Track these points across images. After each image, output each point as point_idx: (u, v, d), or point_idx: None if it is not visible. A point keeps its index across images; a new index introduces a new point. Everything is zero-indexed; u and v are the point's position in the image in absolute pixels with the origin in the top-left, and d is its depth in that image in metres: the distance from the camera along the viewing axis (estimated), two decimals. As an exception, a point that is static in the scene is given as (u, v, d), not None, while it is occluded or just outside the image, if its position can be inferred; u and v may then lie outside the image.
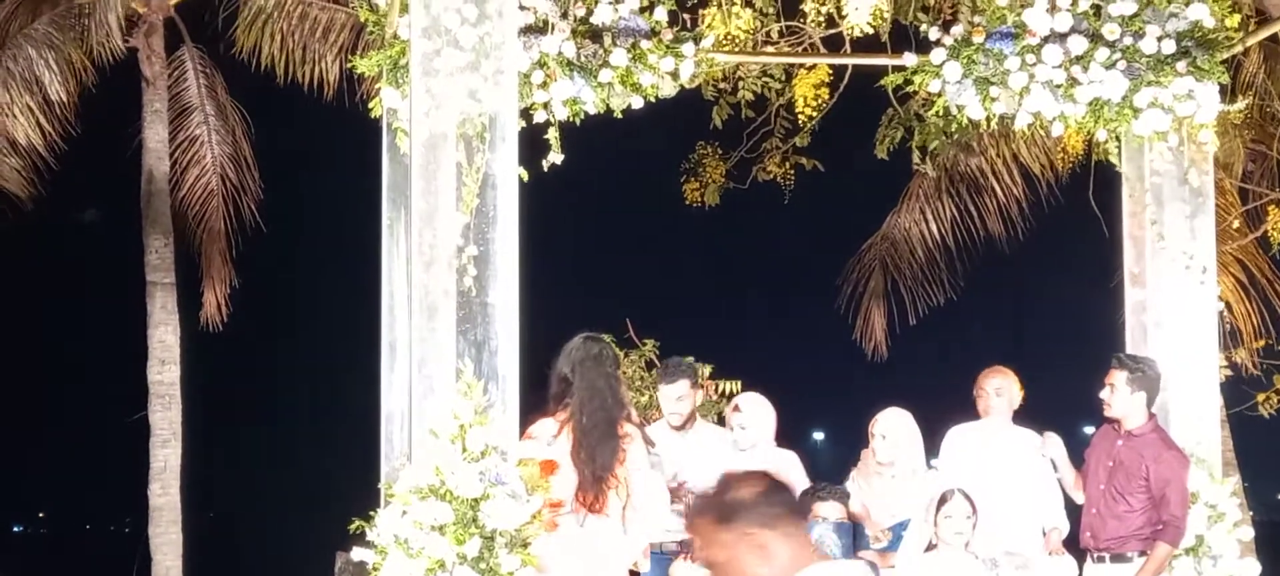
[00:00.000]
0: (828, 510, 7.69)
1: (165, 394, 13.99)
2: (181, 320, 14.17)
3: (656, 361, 11.03)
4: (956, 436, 8.76)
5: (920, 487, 8.29)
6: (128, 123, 13.92)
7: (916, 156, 9.53)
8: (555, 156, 6.97)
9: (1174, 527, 7.67)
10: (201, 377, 14.91)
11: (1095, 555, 7.96)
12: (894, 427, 8.43)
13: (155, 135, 13.88)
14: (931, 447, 8.77)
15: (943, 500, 7.90)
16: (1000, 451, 8.60)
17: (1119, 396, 7.91)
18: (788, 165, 13.33)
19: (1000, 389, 8.57)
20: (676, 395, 8.38)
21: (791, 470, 8.47)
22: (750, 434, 8.40)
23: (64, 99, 12.77)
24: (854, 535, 7.66)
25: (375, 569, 6.49)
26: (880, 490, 8.39)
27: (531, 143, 7.06)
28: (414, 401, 6.80)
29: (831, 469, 8.69)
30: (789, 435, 8.76)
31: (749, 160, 13.56)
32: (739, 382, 10.74)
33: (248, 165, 14.22)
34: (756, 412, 8.47)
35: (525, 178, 6.93)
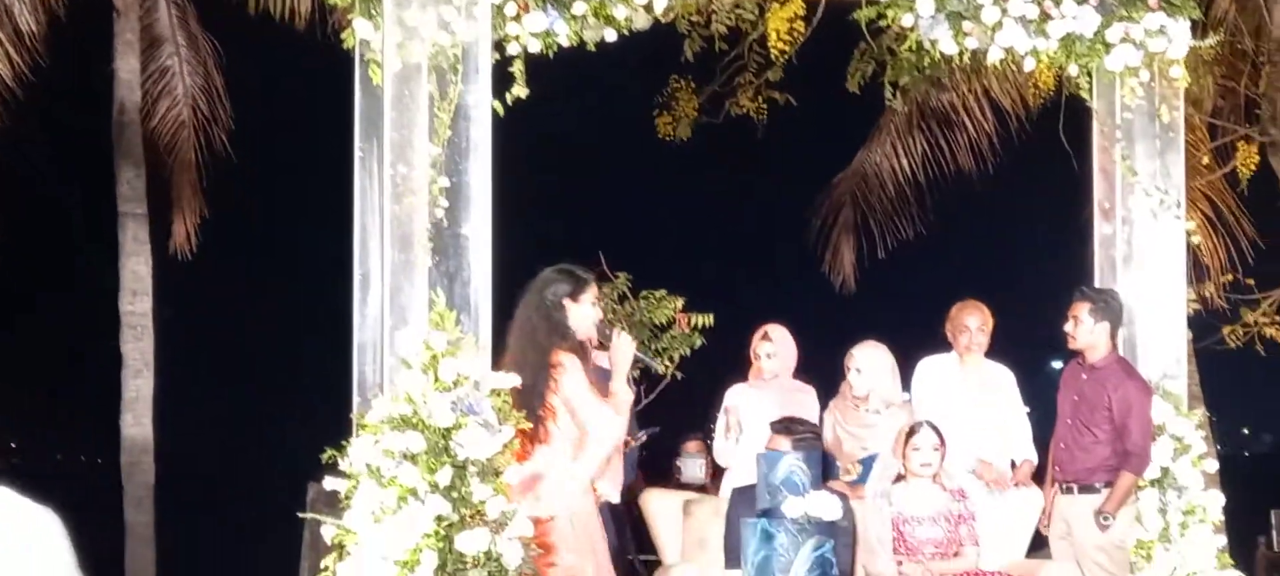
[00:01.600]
0: (797, 442, 7.73)
1: (137, 325, 13.97)
2: (154, 251, 14.14)
3: (629, 295, 11.07)
4: (926, 369, 8.82)
5: (894, 422, 8.34)
6: (99, 54, 13.84)
7: (888, 91, 9.53)
8: (520, 89, 6.95)
9: (1137, 457, 7.75)
10: (174, 308, 14.90)
11: (1063, 486, 8.04)
12: (869, 361, 8.48)
13: (126, 66, 13.80)
14: (903, 380, 8.83)
15: (911, 432, 7.96)
16: (969, 384, 8.66)
17: (1082, 328, 7.98)
18: (760, 99, 13.34)
19: (976, 324, 8.64)
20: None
21: (808, 402, 8.54)
22: (775, 363, 8.48)
23: (34, 29, 12.68)
24: (824, 466, 7.71)
25: (347, 497, 6.52)
26: (854, 423, 8.44)
27: (506, 75, 7.06)
28: (386, 332, 6.82)
29: (826, 403, 8.73)
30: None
31: (722, 94, 13.58)
32: (711, 316, 10.78)
33: (219, 96, 14.15)
34: (784, 343, 8.56)
35: (499, 110, 6.94)
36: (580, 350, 6.71)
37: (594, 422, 6.50)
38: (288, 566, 10.96)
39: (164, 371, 14.25)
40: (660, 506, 8.23)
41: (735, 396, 8.63)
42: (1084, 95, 8.04)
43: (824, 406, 8.61)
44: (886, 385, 8.48)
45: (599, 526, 6.70)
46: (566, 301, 6.71)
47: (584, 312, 6.76)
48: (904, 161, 14.32)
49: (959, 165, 14.21)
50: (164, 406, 14.32)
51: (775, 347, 8.56)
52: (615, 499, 6.92)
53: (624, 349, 6.74)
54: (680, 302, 10.91)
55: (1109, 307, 7.97)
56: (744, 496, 7.64)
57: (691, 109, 13.74)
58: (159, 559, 13.97)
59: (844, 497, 7.28)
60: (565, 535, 6.51)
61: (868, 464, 8.27)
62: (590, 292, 6.81)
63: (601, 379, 6.83)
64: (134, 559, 13.85)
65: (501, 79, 7.03)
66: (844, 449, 8.42)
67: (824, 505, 6.63)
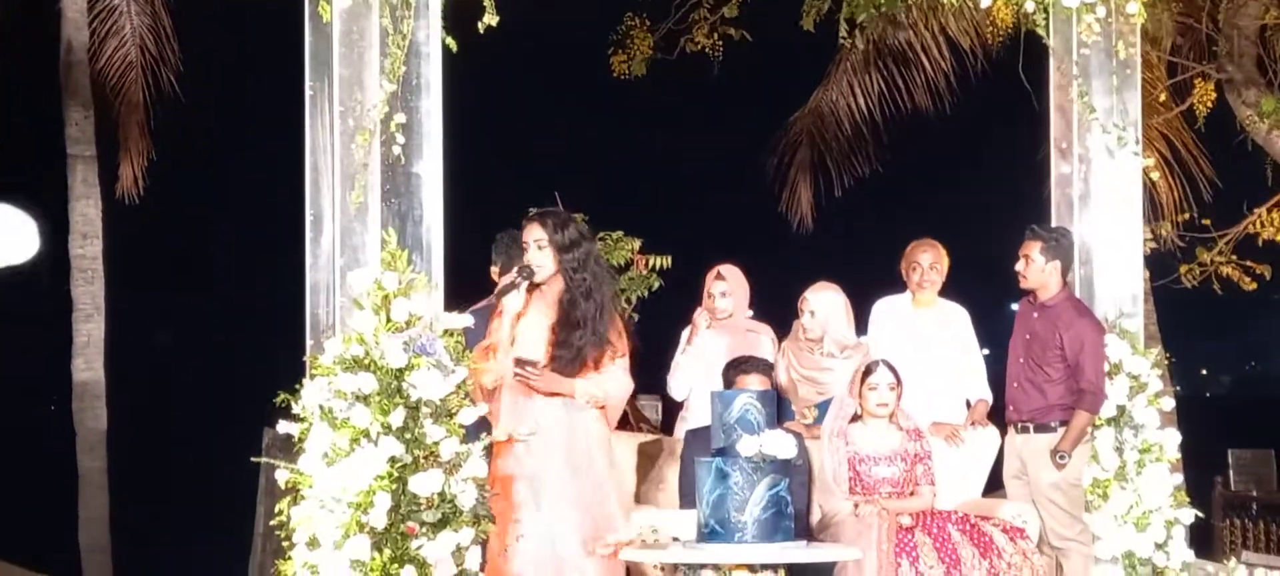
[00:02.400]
0: (750, 381, 7.70)
1: (88, 268, 13.85)
2: (103, 194, 14.00)
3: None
4: (883, 307, 8.80)
5: (850, 366, 8.32)
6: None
7: (843, 29, 9.47)
8: (490, 18, 6.84)
9: (1091, 395, 7.75)
10: (123, 251, 14.76)
11: (1019, 426, 8.04)
12: (822, 304, 8.44)
13: (74, 5, 13.63)
14: (859, 321, 8.80)
15: (867, 371, 7.94)
16: (926, 323, 8.65)
17: (1033, 267, 7.98)
18: (716, 36, 13.28)
19: (934, 263, 8.61)
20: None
21: (763, 342, 8.54)
22: (728, 302, 8.47)
23: (-22, -35, 12.53)
24: (779, 406, 7.68)
25: (300, 440, 6.45)
26: (810, 366, 8.42)
27: (455, 12, 6.96)
28: (338, 273, 6.75)
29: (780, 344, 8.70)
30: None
31: (677, 31, 13.50)
32: (669, 257, 10.73)
33: (167, 36, 13.96)
34: (737, 283, 8.57)
35: (453, 47, 6.84)
36: None
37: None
38: (244, 511, 10.91)
39: (114, 316, 14.14)
40: (619, 449, 8.18)
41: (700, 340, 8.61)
42: (1041, 32, 8.00)
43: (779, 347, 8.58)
44: (840, 327, 8.44)
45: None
46: None
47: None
48: (861, 100, 14.28)
49: (916, 104, 14.18)
50: (115, 351, 14.21)
51: (728, 286, 8.57)
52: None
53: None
54: (637, 243, 10.87)
55: (1060, 246, 7.96)
56: (699, 437, 7.61)
57: (646, 46, 13.69)
58: (112, 504, 13.89)
59: (799, 436, 7.25)
60: None
61: (824, 409, 8.25)
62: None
63: None
64: (87, 504, 13.78)
65: (454, 15, 6.93)
66: (799, 393, 8.40)
67: (779, 444, 6.59)
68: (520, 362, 6.82)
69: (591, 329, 6.86)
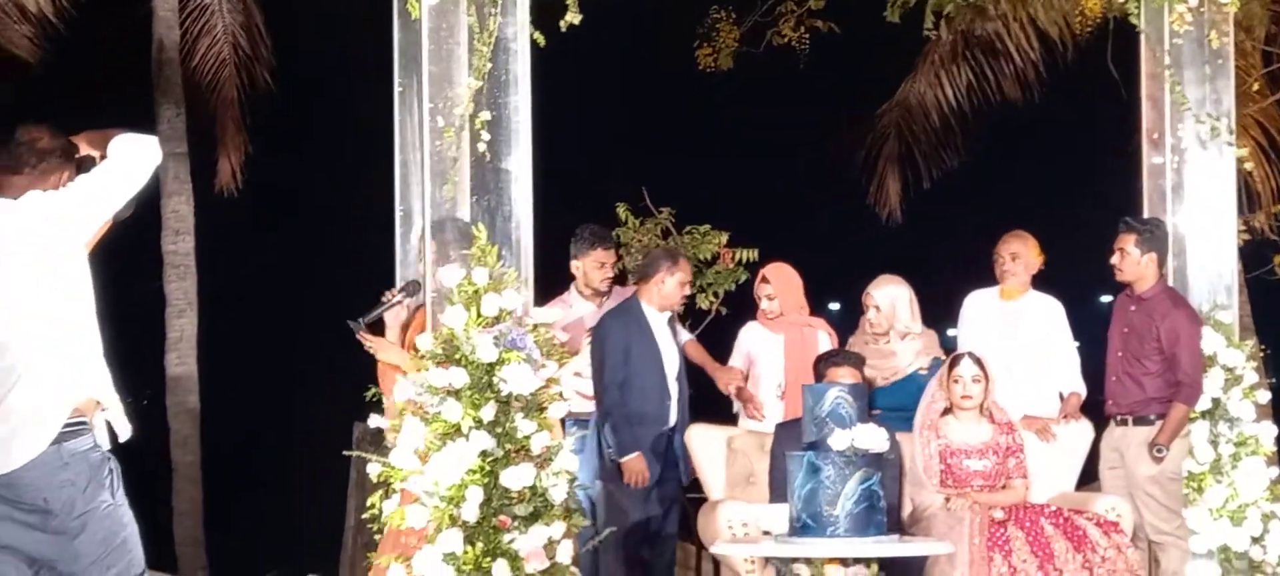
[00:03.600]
0: (842, 374, 7.69)
1: (180, 264, 13.99)
2: (194, 189, 14.14)
3: (672, 229, 11.01)
4: (972, 301, 8.75)
5: (912, 345, 8.31)
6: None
7: (929, 21, 9.41)
8: (573, 16, 6.85)
9: (1188, 387, 7.69)
10: (216, 247, 14.90)
11: (1117, 418, 8.00)
12: (885, 297, 8.43)
13: (165, 4, 13.76)
14: (949, 314, 8.75)
15: (952, 363, 7.90)
16: (1014, 315, 8.58)
17: (1129, 260, 7.92)
18: (802, 29, 13.23)
19: (1016, 254, 8.55)
20: (604, 262, 8.65)
21: (820, 335, 8.53)
22: (777, 304, 8.48)
23: (74, -35, 12.70)
24: (869, 399, 7.68)
25: (392, 432, 6.51)
26: (875, 356, 8.39)
27: (544, 7, 6.98)
28: (428, 268, 6.79)
29: (847, 338, 8.69)
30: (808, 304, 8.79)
31: (763, 24, 13.47)
32: (756, 250, 10.71)
33: (260, 33, 14.10)
34: (783, 284, 8.55)
35: (541, 42, 6.87)
36: None
37: None
38: (335, 506, 10.98)
39: (207, 310, 14.28)
40: (704, 441, 8.18)
41: (748, 334, 8.63)
42: (1132, 21, 7.93)
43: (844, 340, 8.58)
44: (904, 318, 8.42)
45: None
46: None
47: None
48: (949, 92, 14.19)
49: (1004, 95, 14.07)
50: (208, 345, 14.35)
51: (774, 289, 8.58)
52: None
53: None
54: (724, 237, 10.84)
55: (1155, 237, 7.90)
56: (789, 430, 7.61)
57: (732, 39, 13.65)
58: (205, 497, 14.04)
59: (890, 429, 7.23)
60: None
61: (895, 392, 8.23)
62: None
63: None
64: (181, 498, 13.93)
65: (540, 11, 6.95)
66: (874, 385, 8.38)
67: (871, 437, 6.57)
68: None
69: None
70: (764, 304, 8.58)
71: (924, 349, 8.37)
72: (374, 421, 6.72)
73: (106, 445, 5.20)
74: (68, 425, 5.05)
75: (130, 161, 5.29)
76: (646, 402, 8.09)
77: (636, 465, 7.98)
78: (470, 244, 6.65)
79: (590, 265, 8.63)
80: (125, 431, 5.27)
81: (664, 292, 8.23)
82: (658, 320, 8.23)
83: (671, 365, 8.25)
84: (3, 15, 12.50)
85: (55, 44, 12.87)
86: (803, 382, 8.08)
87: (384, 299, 6.89)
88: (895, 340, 8.39)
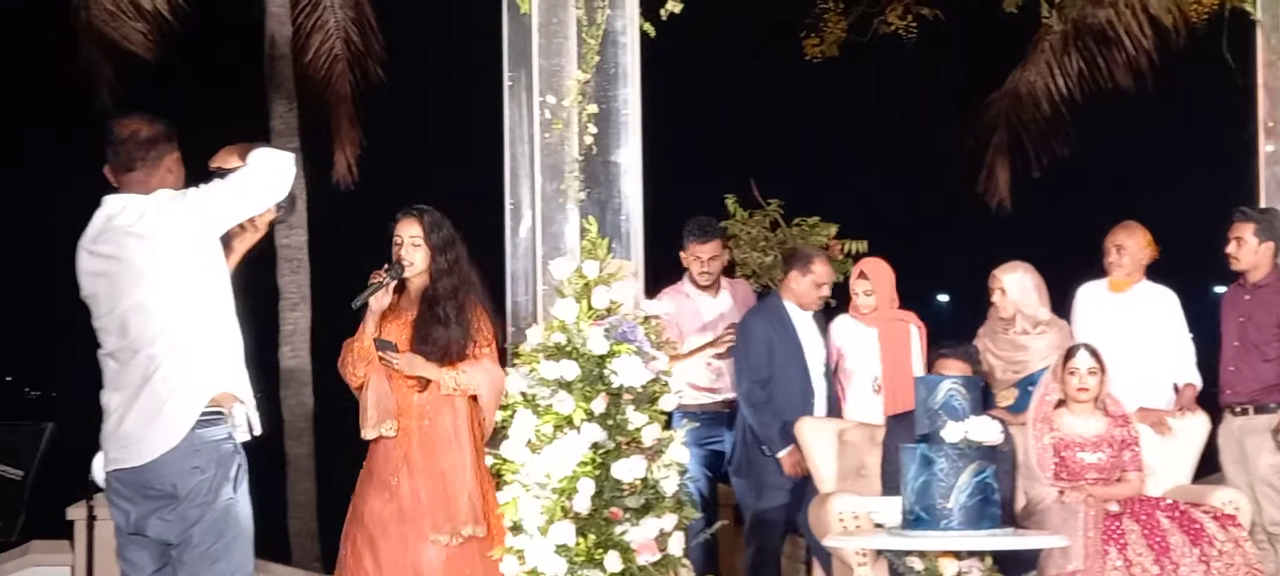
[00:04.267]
0: (953, 366, 7.65)
1: (293, 258, 14.12)
2: (306, 184, 14.26)
3: (781, 222, 10.99)
4: (1084, 293, 8.66)
5: (1046, 341, 8.23)
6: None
7: (1044, 9, 9.34)
8: (674, 5, 6.86)
9: None
10: (328, 241, 15.03)
11: (1237, 408, 7.91)
12: (1013, 283, 8.36)
13: (276, 1, 13.91)
14: (1061, 305, 8.68)
15: (1068, 355, 7.83)
16: (1128, 308, 8.49)
17: (1246, 249, 7.86)
18: (910, 17, 13.16)
19: (1122, 245, 8.46)
20: (709, 255, 8.72)
21: (909, 329, 8.53)
22: (873, 299, 8.48)
23: (188, -39, 12.89)
24: (984, 393, 7.63)
25: (504, 425, 6.54)
26: (1005, 347, 8.34)
27: (649, 1, 6.99)
28: (538, 261, 6.82)
29: (956, 329, 8.64)
30: (915, 296, 8.78)
31: (870, 13, 13.41)
32: (865, 242, 10.66)
33: (371, 28, 14.21)
34: (881, 279, 8.56)
35: (650, 32, 6.88)
36: None
37: None
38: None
39: (319, 304, 14.41)
40: (815, 433, 8.17)
41: (840, 328, 8.62)
42: (1248, 8, 7.83)
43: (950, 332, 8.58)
44: (1031, 304, 8.34)
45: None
46: None
47: None
48: (1059, 81, 14.04)
49: (1116, 83, 13.91)
50: (320, 338, 14.46)
51: (872, 284, 8.59)
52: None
53: None
54: (833, 229, 10.80)
55: (1272, 227, 7.87)
56: (901, 423, 7.58)
57: (839, 29, 13.61)
58: (318, 489, 14.17)
59: (1003, 422, 7.18)
60: None
61: (1023, 386, 8.17)
62: None
63: None
64: (294, 490, 14.07)
65: (649, 3, 6.97)
66: (996, 375, 8.32)
67: (985, 429, 6.54)
68: (381, 345, 6.59)
69: (454, 325, 6.56)
70: (860, 298, 8.57)
71: (1057, 343, 8.26)
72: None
73: (242, 439, 5.29)
74: (203, 414, 5.15)
75: (267, 172, 5.37)
76: (790, 399, 8.20)
77: (793, 458, 8.15)
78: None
79: (688, 258, 8.75)
80: (258, 428, 5.37)
81: (797, 292, 8.37)
82: (801, 317, 8.37)
83: (816, 362, 8.38)
84: (119, 12, 12.71)
85: (170, 41, 13.06)
86: (899, 375, 8.13)
87: (372, 281, 6.66)
88: (1028, 332, 8.33)
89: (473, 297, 6.65)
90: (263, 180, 5.35)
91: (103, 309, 5.24)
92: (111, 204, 5.30)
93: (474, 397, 6.60)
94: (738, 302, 8.93)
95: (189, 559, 5.18)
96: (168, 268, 5.18)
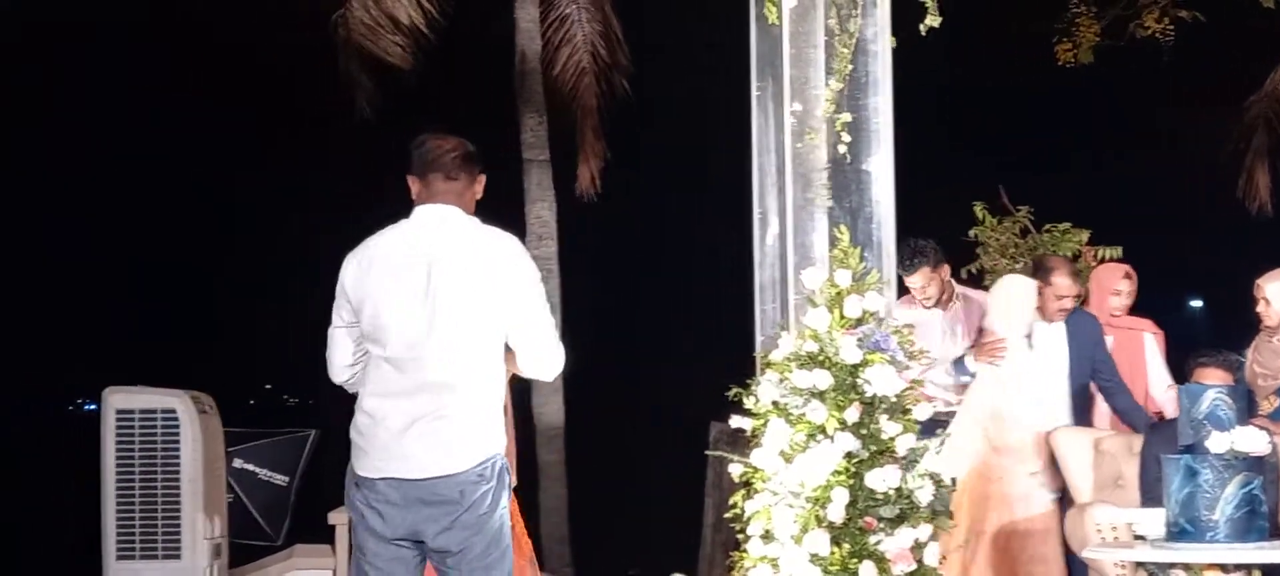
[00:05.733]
0: (1212, 376, 7.47)
1: (543, 268, 14.27)
2: (556, 195, 14.48)
3: (1031, 228, 10.85)
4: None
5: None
6: (500, 4, 14.24)
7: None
8: (933, 20, 6.80)
9: None
10: (577, 251, 15.23)
11: None
12: (1275, 292, 8.16)
13: (526, 15, 14.15)
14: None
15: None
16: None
17: None
18: (1166, 20, 12.88)
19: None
20: (919, 284, 8.63)
21: (1148, 337, 8.43)
22: (1126, 301, 8.36)
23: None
24: (1249, 401, 7.44)
25: (754, 434, 6.55)
26: (1267, 354, 8.13)
27: (898, 7, 6.95)
28: (789, 271, 6.82)
29: (1210, 336, 8.45)
30: (1169, 303, 8.61)
31: (1125, 17, 13.17)
32: (1119, 249, 10.47)
33: (618, 41, 14.37)
34: (1134, 286, 8.50)
35: (893, 44, 6.84)
36: None
37: None
38: (692, 504, 11.12)
39: (568, 313, 14.60)
40: (1071, 444, 8.04)
41: None
42: None
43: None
44: None
45: None
46: None
47: None
48: (1325, 80, 13.65)
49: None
50: (570, 347, 14.65)
51: (1132, 287, 8.46)
52: None
53: None
54: (1085, 235, 10.63)
55: None
56: (1161, 432, 7.44)
57: (1093, 33, 13.38)
58: (570, 496, 14.35)
59: (1270, 432, 6.98)
60: None
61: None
62: None
63: None
64: (547, 496, 14.26)
65: (897, 11, 6.92)
66: (1257, 383, 8.11)
67: (1252, 440, 6.37)
68: None
69: None
70: (1119, 299, 8.47)
71: None
72: (735, 421, 6.77)
73: None
74: None
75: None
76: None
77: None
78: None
79: (913, 284, 8.65)
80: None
81: (1039, 305, 8.30)
82: (1045, 329, 8.30)
83: (1058, 376, 8.28)
84: (377, 27, 13.09)
85: (425, 54, 13.40)
86: (1132, 383, 8.00)
87: None
88: None
89: None
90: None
91: (398, 315, 5.29)
92: (432, 214, 5.39)
93: None
94: (969, 317, 8.76)
95: (466, 568, 5.27)
96: (477, 293, 5.29)
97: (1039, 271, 8.42)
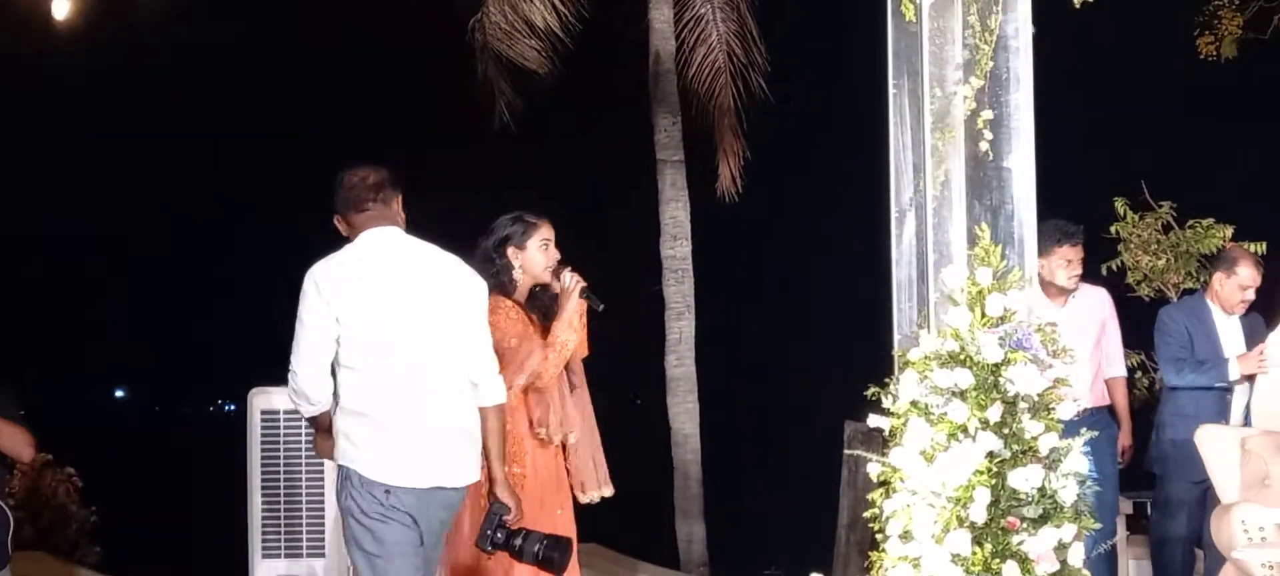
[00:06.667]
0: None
1: (678, 268, 14.38)
2: (691, 196, 14.51)
3: (1174, 224, 10.71)
4: None
5: None
6: (635, 6, 14.30)
7: None
8: (1086, -6, 6.71)
9: None
10: (712, 251, 15.25)
11: None
12: None
13: (661, 16, 14.20)
14: None
15: None
16: None
17: None
18: (1314, 11, 12.66)
19: None
20: (1080, 256, 8.49)
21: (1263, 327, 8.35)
22: (1251, 295, 8.42)
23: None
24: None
25: (892, 433, 6.51)
26: None
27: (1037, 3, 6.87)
28: (928, 269, 6.77)
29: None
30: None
31: (1269, 9, 12.95)
32: (1263, 244, 10.31)
33: (754, 40, 14.38)
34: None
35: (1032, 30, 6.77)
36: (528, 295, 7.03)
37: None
38: (828, 503, 11.10)
39: (703, 312, 14.63)
40: (1216, 442, 7.91)
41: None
42: None
43: None
44: None
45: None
46: (508, 250, 6.94)
47: (530, 257, 6.98)
48: None
49: None
50: (704, 347, 14.68)
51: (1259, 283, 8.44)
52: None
53: (569, 292, 6.99)
54: (1229, 231, 10.48)
55: None
56: (1311, 432, 7.31)
57: (1235, 26, 13.17)
58: (706, 495, 14.37)
59: None
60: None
61: None
62: (535, 236, 6.99)
63: None
64: (682, 495, 14.30)
65: (1036, 6, 6.85)
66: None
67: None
68: (586, 294, 7.05)
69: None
70: (1247, 293, 8.42)
71: None
72: (872, 420, 6.74)
73: None
74: None
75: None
76: (1202, 403, 8.08)
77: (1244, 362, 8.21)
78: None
79: (1056, 263, 8.49)
80: None
81: (1221, 295, 8.39)
82: (1224, 321, 8.37)
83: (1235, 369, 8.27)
84: (513, 31, 13.23)
85: (561, 57, 13.52)
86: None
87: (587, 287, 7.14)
88: None
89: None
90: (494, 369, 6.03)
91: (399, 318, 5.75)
92: (382, 236, 5.87)
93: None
94: (1091, 309, 8.65)
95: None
96: (451, 317, 5.91)
97: (1223, 263, 8.40)
